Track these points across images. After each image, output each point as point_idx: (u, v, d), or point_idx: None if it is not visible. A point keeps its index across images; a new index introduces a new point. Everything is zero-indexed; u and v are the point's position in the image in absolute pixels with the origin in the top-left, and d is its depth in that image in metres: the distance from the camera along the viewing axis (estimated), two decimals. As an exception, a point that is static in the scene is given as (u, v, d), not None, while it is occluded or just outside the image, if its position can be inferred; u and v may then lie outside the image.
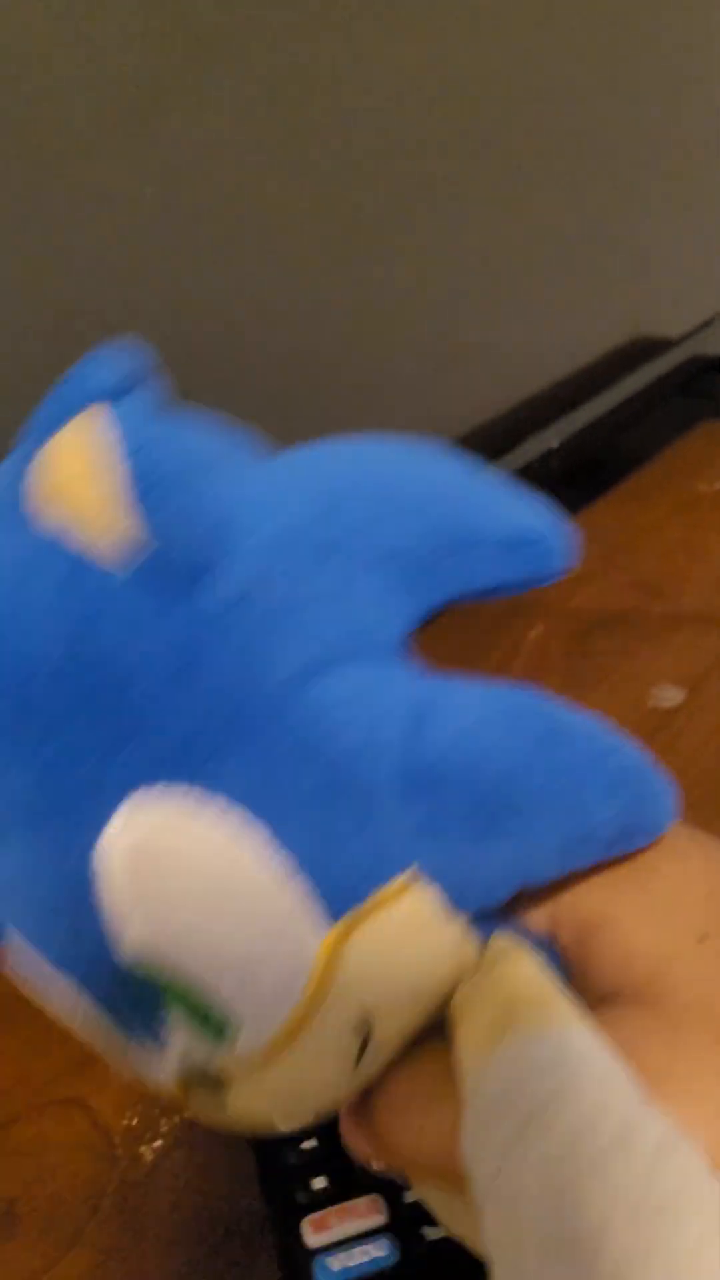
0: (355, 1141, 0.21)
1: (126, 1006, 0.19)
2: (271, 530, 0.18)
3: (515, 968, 0.18)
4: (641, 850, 0.20)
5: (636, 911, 0.19)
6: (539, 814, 0.18)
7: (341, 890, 0.18)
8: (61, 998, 0.20)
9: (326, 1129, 0.29)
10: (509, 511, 0.20)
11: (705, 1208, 0.14)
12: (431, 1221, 0.26)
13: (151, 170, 0.34)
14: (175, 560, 0.17)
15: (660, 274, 0.66)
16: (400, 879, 0.18)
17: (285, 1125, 0.21)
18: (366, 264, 0.45)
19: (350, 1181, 0.28)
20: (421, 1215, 0.26)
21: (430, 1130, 0.19)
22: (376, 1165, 0.21)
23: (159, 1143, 0.33)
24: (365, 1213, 0.27)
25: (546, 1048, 0.17)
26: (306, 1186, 0.28)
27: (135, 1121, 0.34)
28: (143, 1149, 0.33)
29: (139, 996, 0.18)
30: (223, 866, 0.17)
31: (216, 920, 0.17)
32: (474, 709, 0.19)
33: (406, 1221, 0.27)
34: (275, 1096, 0.19)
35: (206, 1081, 0.20)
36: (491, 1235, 0.16)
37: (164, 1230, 0.31)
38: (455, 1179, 0.17)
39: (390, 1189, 0.27)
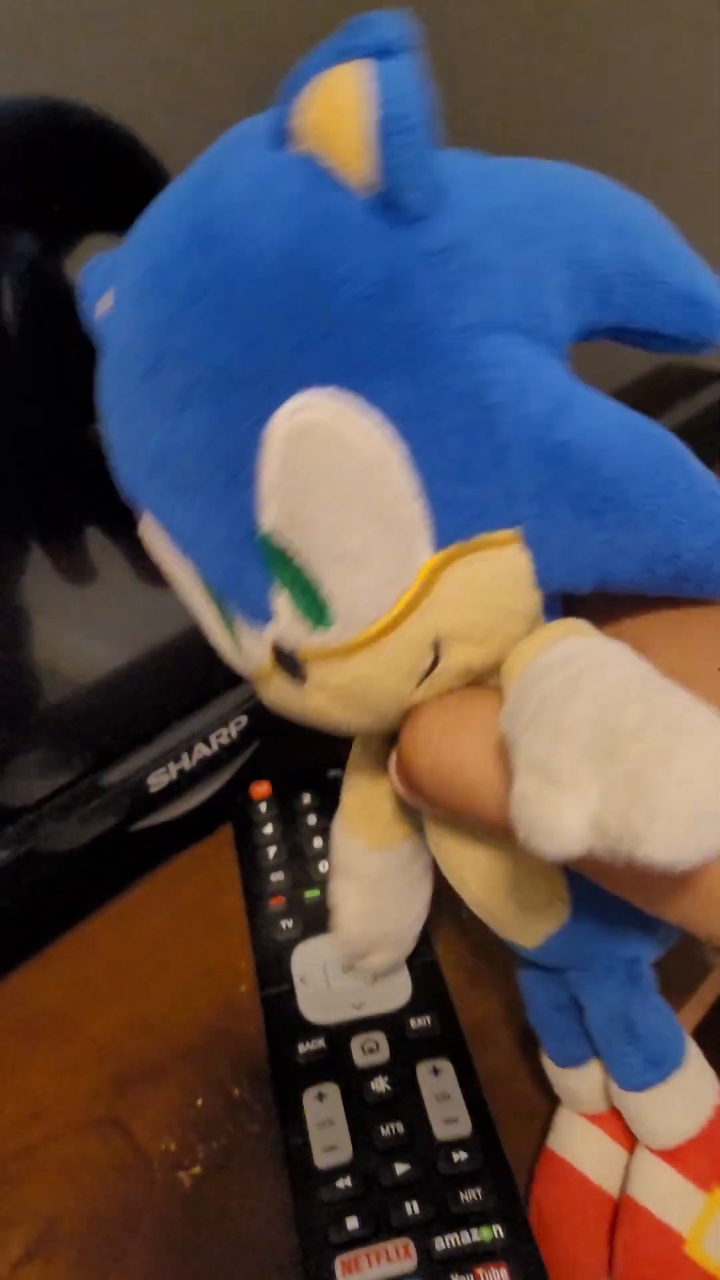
0: (396, 765, 0.24)
1: (244, 581, 0.22)
2: (489, 203, 0.20)
3: (568, 624, 0.22)
4: (705, 600, 0.23)
5: (670, 642, 0.23)
6: (640, 518, 0.21)
7: (455, 523, 0.20)
8: (185, 581, 0.24)
9: (364, 1171, 0.30)
10: (696, 273, 0.22)
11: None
12: (461, 1270, 0.27)
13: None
14: (402, 201, 0.19)
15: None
16: (507, 532, 0.21)
17: (344, 721, 0.23)
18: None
19: (383, 1224, 0.28)
20: (451, 1261, 0.27)
21: (449, 746, 0.22)
22: (403, 791, 0.25)
23: (197, 1169, 0.34)
24: (396, 1257, 0.27)
25: (592, 641, 0.21)
26: (340, 1225, 0.28)
27: (173, 1146, 0.35)
28: (180, 1174, 0.34)
29: (257, 574, 0.21)
30: (364, 468, 0.20)
31: (346, 512, 0.20)
32: (614, 414, 0.21)
33: (437, 1266, 0.27)
34: (346, 691, 0.22)
35: (292, 666, 0.23)
36: (526, 757, 0.19)
37: (201, 1258, 0.32)
38: (455, 809, 0.22)
39: (422, 1234, 0.28)
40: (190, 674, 0.39)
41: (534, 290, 0.20)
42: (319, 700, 0.23)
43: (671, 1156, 0.29)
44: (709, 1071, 0.30)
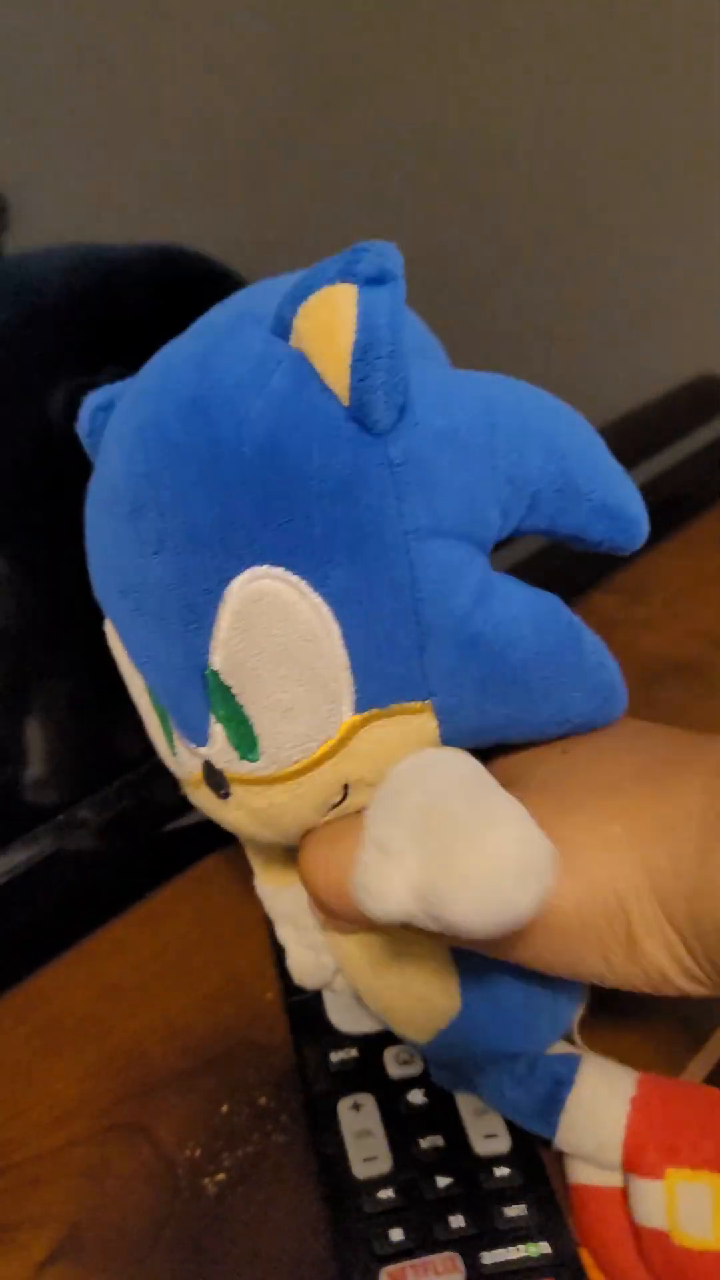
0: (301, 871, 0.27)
1: (187, 706, 0.25)
2: (445, 423, 0.23)
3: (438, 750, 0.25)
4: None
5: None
6: (538, 696, 0.25)
7: (376, 692, 0.23)
8: (135, 685, 0.27)
9: (404, 1183, 0.29)
10: (619, 488, 0.25)
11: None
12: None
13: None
14: (369, 417, 0.22)
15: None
16: (420, 703, 0.24)
17: (256, 836, 0.26)
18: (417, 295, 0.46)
19: (428, 1237, 0.28)
20: (500, 1277, 0.27)
21: (335, 860, 0.25)
22: (316, 911, 0.29)
23: (221, 1176, 0.34)
24: (443, 1270, 0.27)
25: (442, 750, 0.24)
26: (384, 1238, 0.28)
27: (198, 1153, 0.34)
28: (205, 1181, 0.33)
29: (199, 702, 0.24)
30: (304, 638, 0.23)
31: (284, 671, 0.23)
32: (522, 605, 0.24)
33: (484, 1280, 0.27)
34: (262, 814, 0.26)
35: (218, 784, 0.26)
36: (367, 836, 0.22)
37: (224, 1267, 0.31)
38: (344, 908, 0.25)
39: (468, 1248, 0.27)
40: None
41: (474, 503, 0.23)
42: (237, 816, 0.26)
43: (625, 1163, 0.28)
44: (608, 1068, 0.30)
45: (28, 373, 0.31)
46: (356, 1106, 0.32)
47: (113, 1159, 0.34)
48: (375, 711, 0.24)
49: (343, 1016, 0.35)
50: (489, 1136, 0.30)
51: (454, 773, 0.23)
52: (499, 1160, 0.30)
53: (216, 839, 0.44)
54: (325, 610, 0.22)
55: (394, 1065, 0.33)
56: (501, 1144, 0.30)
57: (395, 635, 0.23)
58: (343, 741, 0.24)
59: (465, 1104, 0.32)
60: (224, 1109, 0.35)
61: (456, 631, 0.23)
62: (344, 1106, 0.32)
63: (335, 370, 0.22)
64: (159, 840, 0.40)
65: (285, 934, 0.35)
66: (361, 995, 0.31)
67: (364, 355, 0.21)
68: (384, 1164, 0.30)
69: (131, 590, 0.25)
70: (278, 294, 0.23)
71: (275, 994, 0.38)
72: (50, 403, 0.31)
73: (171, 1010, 0.38)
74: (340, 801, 0.25)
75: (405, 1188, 0.29)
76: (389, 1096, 0.32)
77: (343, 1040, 0.34)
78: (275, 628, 0.23)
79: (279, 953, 0.37)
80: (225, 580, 0.23)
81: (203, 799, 0.27)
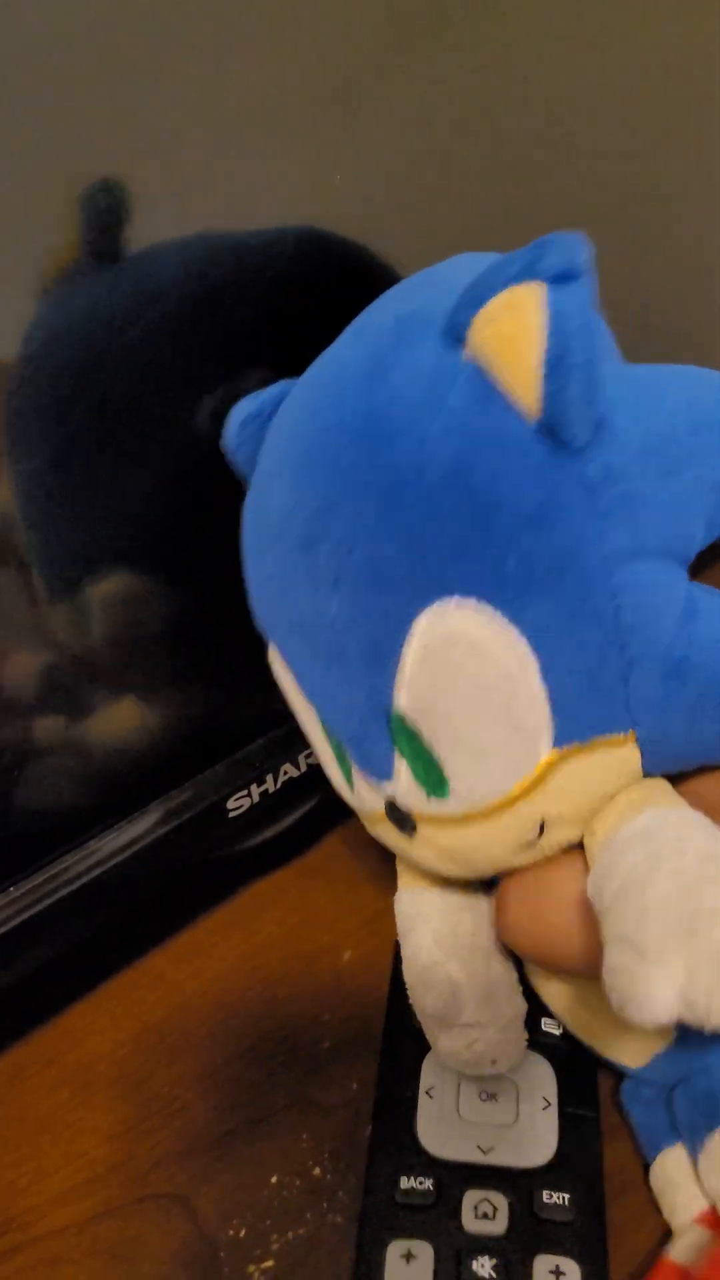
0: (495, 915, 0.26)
1: (368, 743, 0.23)
2: (645, 431, 0.21)
3: (647, 787, 0.23)
4: None
5: None
6: None
7: (576, 728, 0.22)
8: (306, 717, 0.26)
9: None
10: None
11: None
12: None
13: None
14: (564, 434, 0.20)
15: None
16: (621, 735, 0.22)
17: (443, 870, 0.25)
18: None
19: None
20: None
21: (543, 916, 0.24)
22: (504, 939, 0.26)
23: (269, 1263, 0.29)
24: None
25: (671, 813, 0.22)
26: None
27: (243, 1233, 0.30)
28: (251, 1269, 0.29)
29: (382, 740, 0.23)
30: (499, 676, 0.21)
31: (477, 713, 0.21)
32: None
33: None
34: (451, 850, 0.24)
35: (403, 822, 0.24)
36: (615, 932, 0.20)
37: None
38: (554, 963, 0.24)
39: None
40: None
41: (679, 517, 0.21)
42: (424, 853, 0.25)
43: None
44: None
45: (166, 384, 0.27)
46: (408, 1257, 0.26)
47: (147, 1236, 0.30)
48: (575, 746, 0.22)
49: (434, 1132, 0.29)
50: None
51: (696, 849, 0.21)
52: None
53: (265, 863, 0.40)
54: (521, 644, 0.21)
55: (471, 1216, 0.27)
56: None
57: (597, 667, 0.21)
58: (539, 779, 0.22)
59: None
60: (273, 1180, 0.31)
61: (663, 659, 0.21)
62: (394, 1252, 0.26)
63: (524, 384, 0.20)
64: (204, 864, 0.36)
65: (419, 943, 0.30)
66: (566, 1024, 0.30)
67: (557, 366, 0.19)
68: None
69: (304, 626, 0.23)
70: (439, 289, 0.22)
71: (333, 1043, 0.34)
72: (192, 413, 0.28)
73: (215, 1058, 0.34)
74: (536, 839, 0.24)
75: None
76: (451, 1255, 0.26)
77: (421, 1164, 0.29)
78: (467, 666, 0.21)
79: (388, 1029, 0.32)
80: (410, 617, 0.21)
81: (385, 834, 0.26)
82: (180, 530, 0.30)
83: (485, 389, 0.20)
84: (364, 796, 0.25)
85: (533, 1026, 0.31)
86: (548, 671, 0.21)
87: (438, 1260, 0.26)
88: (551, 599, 0.20)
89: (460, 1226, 0.27)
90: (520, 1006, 0.29)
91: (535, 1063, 0.30)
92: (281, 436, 0.24)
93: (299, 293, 0.28)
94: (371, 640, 0.22)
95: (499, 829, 0.23)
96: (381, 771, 0.24)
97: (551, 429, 0.20)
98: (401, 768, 0.23)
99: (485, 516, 0.20)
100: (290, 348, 0.26)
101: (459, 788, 0.23)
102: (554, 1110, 0.29)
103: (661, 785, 0.24)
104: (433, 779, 0.23)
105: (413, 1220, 0.27)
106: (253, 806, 0.35)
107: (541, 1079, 0.30)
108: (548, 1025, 0.31)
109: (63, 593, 0.28)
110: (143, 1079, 0.34)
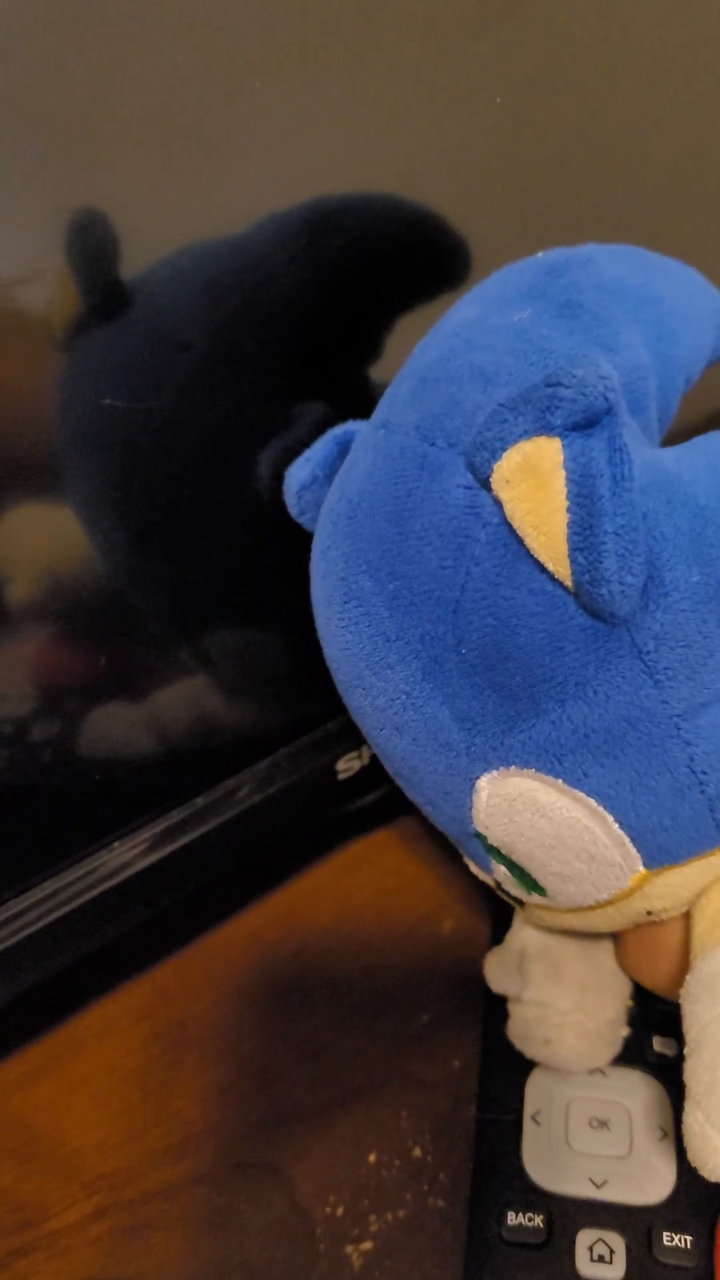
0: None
1: (467, 843, 0.23)
2: (700, 578, 0.18)
3: None
4: None
5: None
6: None
7: (666, 854, 0.21)
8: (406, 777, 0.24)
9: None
10: None
11: None
12: None
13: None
14: (605, 611, 0.18)
15: None
16: (715, 849, 0.21)
17: (571, 927, 0.25)
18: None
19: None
20: None
21: (660, 965, 0.25)
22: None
23: (367, 1245, 0.28)
24: None
25: None
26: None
27: (340, 1212, 0.29)
28: (349, 1249, 0.28)
29: (479, 844, 0.23)
30: (568, 827, 0.21)
31: (554, 852, 0.21)
32: None
33: None
34: (564, 922, 0.25)
35: (510, 897, 0.25)
36: (690, 1088, 0.22)
37: None
38: (668, 993, 0.25)
39: None
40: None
41: None
42: (541, 915, 0.25)
43: None
44: None
45: (223, 427, 0.25)
46: None
47: (241, 1207, 0.29)
48: (668, 865, 0.21)
49: (543, 1164, 0.27)
50: None
51: None
52: None
53: (367, 821, 0.38)
54: (591, 802, 0.20)
55: (586, 1259, 0.25)
56: None
57: (678, 806, 0.20)
58: (635, 889, 0.22)
59: None
60: (371, 1158, 0.30)
61: None
62: None
63: (554, 558, 0.18)
64: (308, 825, 0.34)
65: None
66: None
67: (586, 539, 0.17)
68: None
69: (384, 750, 0.23)
70: (463, 380, 0.19)
71: (431, 1016, 0.33)
72: (254, 458, 0.26)
73: (309, 1026, 0.33)
74: (645, 918, 0.24)
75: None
76: None
77: (532, 1198, 0.26)
78: (539, 822, 0.21)
79: (486, 1041, 0.30)
80: (474, 776, 0.21)
81: (508, 898, 0.25)
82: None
83: (511, 554, 0.18)
84: (472, 865, 0.25)
85: (643, 1047, 0.29)
86: (625, 822, 0.20)
87: None
88: (614, 762, 0.19)
89: (575, 1271, 0.25)
90: (598, 1007, 0.28)
91: (648, 1086, 0.28)
92: (324, 560, 0.22)
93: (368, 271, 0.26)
94: (441, 788, 0.22)
95: (604, 919, 0.23)
96: (483, 866, 0.24)
97: (591, 610, 0.18)
98: (499, 868, 0.23)
99: (531, 691, 0.19)
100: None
101: (556, 896, 0.23)
102: (671, 1141, 0.27)
103: None
104: (529, 882, 0.23)
105: (518, 1260, 0.25)
106: (363, 768, 0.33)
107: (656, 1105, 0.28)
108: (660, 1045, 0.29)
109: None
110: (235, 1042, 0.33)
